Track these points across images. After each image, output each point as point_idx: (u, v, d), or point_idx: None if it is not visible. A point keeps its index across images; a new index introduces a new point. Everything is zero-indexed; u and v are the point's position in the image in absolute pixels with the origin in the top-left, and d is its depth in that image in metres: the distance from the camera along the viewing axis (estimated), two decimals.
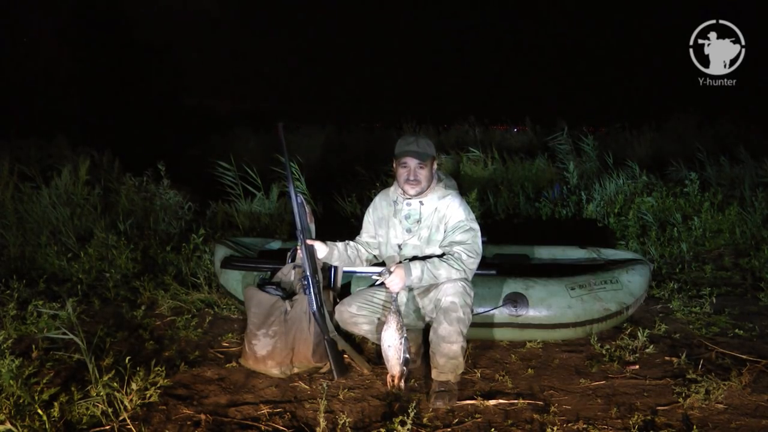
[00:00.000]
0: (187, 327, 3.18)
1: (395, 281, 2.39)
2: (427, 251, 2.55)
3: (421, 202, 2.58)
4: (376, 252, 2.77)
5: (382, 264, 2.82)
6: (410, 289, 2.62)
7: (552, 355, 2.86)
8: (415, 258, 2.53)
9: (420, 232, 2.56)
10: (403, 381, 2.44)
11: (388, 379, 2.46)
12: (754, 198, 5.00)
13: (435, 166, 2.60)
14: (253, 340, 2.61)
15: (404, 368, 2.41)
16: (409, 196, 2.58)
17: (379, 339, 2.68)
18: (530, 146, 9.31)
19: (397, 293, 2.44)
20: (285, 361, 2.59)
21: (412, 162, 2.52)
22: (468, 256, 2.44)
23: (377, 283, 2.49)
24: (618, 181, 5.62)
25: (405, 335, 2.39)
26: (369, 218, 2.77)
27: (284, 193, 5.40)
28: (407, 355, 2.40)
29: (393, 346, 2.38)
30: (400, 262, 2.51)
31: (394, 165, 2.60)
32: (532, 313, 2.85)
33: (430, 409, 2.34)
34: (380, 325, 2.64)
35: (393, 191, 2.68)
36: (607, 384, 2.54)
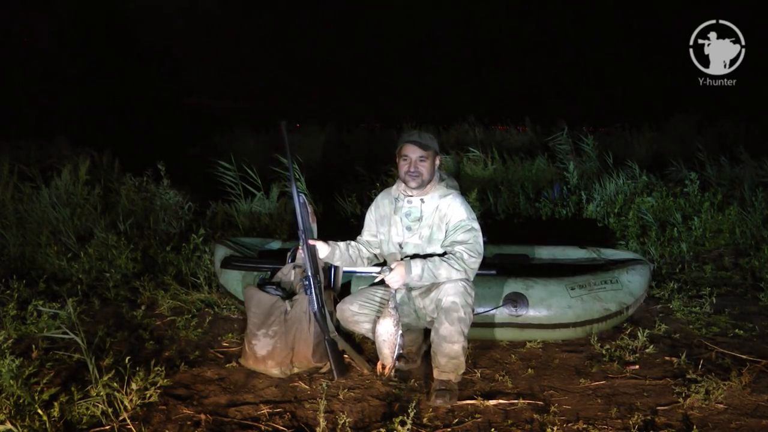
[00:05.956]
0: (187, 327, 3.19)
1: (395, 278, 2.40)
2: (429, 250, 2.55)
3: (422, 200, 2.57)
4: (377, 251, 2.76)
5: (384, 263, 2.82)
6: (410, 289, 2.62)
7: (552, 355, 2.86)
8: (416, 256, 2.53)
9: (421, 231, 2.56)
10: (393, 371, 2.46)
11: (378, 366, 2.45)
12: (754, 198, 5.00)
13: (438, 163, 2.60)
14: (253, 340, 2.61)
15: (396, 361, 2.42)
16: (410, 193, 2.58)
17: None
18: (530, 146, 9.30)
19: (396, 290, 2.44)
20: (285, 361, 2.59)
21: (413, 153, 2.51)
22: (469, 255, 2.43)
23: (377, 280, 2.49)
24: (618, 181, 5.62)
25: (401, 332, 2.40)
26: (371, 216, 2.76)
27: (284, 193, 5.41)
28: (401, 351, 2.42)
29: (388, 340, 2.38)
30: (402, 259, 2.51)
31: (396, 159, 2.59)
32: (532, 313, 2.86)
33: (430, 409, 2.34)
34: None
35: (395, 189, 2.69)
36: (607, 384, 2.54)
